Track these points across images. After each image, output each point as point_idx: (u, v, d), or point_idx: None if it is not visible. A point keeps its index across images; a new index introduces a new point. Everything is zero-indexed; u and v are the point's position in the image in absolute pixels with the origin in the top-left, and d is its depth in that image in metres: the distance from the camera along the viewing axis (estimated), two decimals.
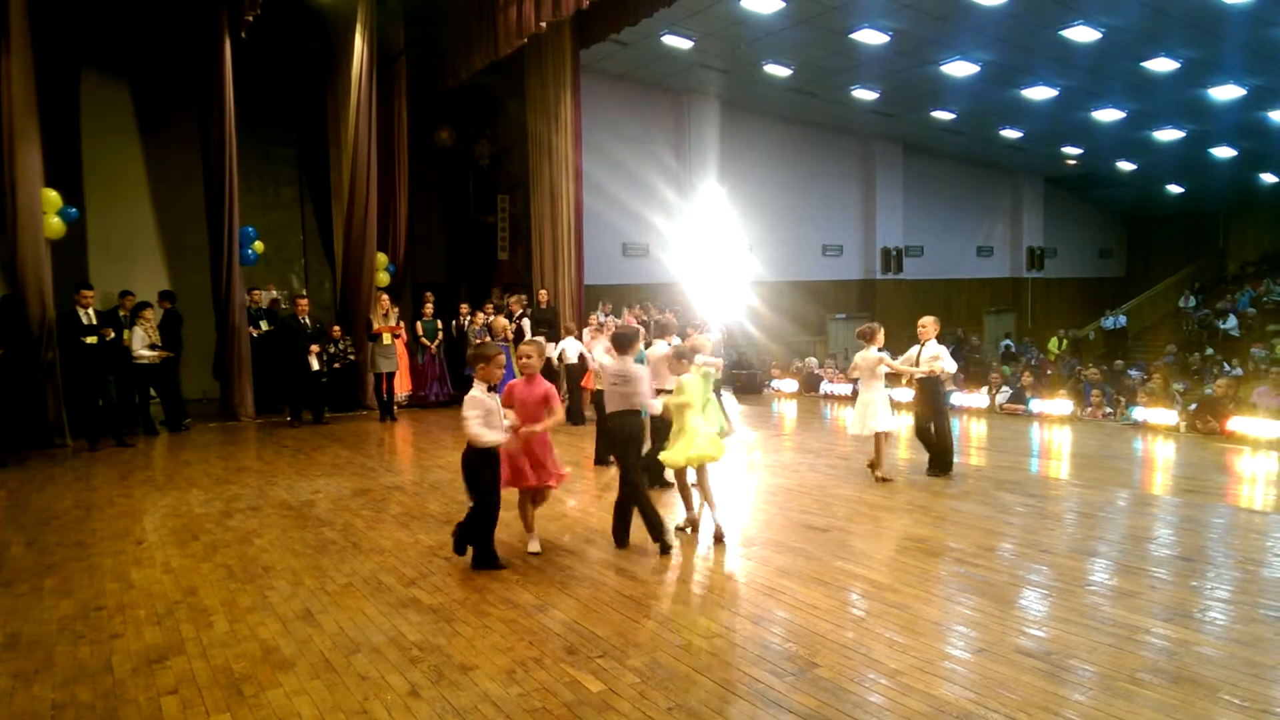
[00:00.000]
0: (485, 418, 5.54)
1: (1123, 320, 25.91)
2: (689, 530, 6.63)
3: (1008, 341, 24.13)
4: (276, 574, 5.74)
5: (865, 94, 19.07)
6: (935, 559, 5.83)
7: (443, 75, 15.53)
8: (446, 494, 8.01)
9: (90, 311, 10.75)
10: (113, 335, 10.82)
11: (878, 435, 8.22)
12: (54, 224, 10.92)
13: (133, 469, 9.53)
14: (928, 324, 8.52)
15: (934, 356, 8.37)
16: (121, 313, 11.33)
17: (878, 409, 8.14)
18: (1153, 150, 22.64)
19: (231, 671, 4.21)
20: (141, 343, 11.31)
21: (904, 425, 10.71)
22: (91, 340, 10.57)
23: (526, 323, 13.90)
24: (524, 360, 6.07)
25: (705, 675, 4.06)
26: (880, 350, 8.24)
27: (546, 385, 5.97)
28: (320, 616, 4.94)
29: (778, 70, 17.33)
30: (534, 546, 6.11)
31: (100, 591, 5.45)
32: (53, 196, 10.88)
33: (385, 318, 13.10)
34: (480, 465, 5.62)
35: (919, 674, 4.02)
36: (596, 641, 4.48)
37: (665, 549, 6.00)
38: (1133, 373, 16.79)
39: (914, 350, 8.59)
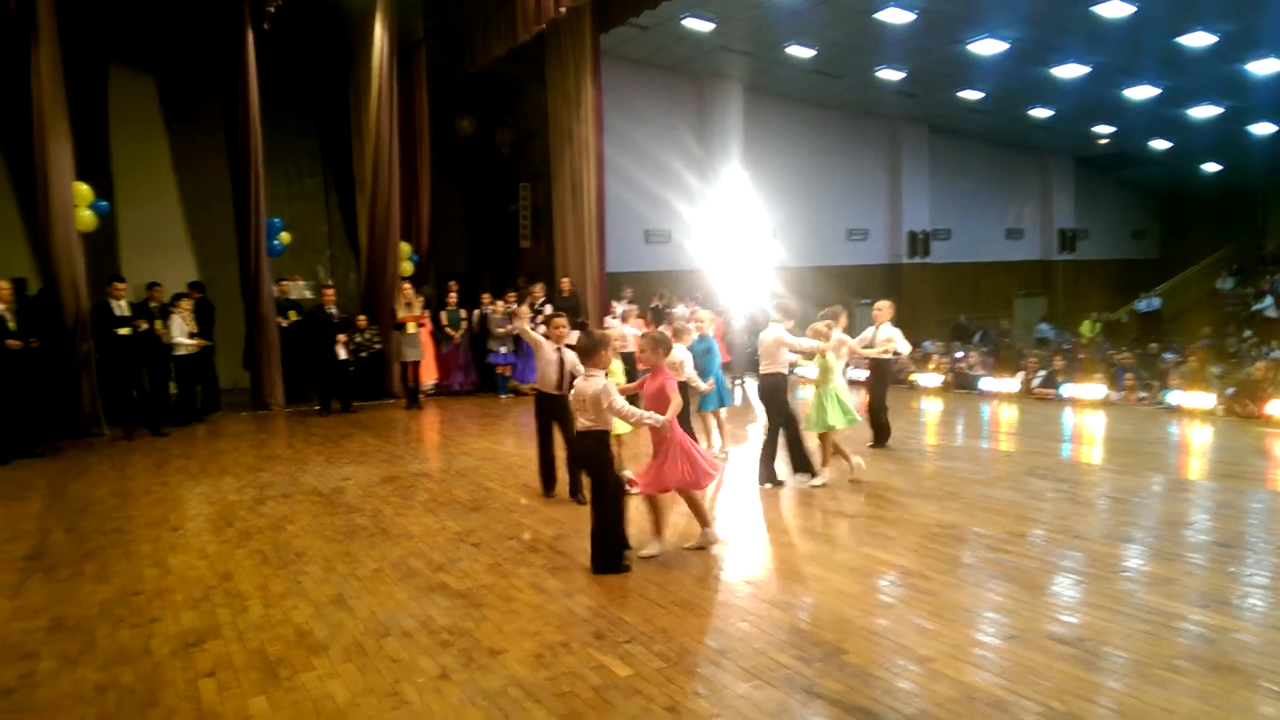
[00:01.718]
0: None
1: (1157, 303, 25.48)
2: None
3: (1044, 326, 23.80)
4: (308, 559, 5.81)
5: (890, 75, 18.86)
6: (965, 545, 5.79)
7: (462, 63, 15.52)
8: (473, 481, 8.05)
9: (123, 303, 10.90)
10: (145, 326, 10.96)
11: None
12: (85, 217, 11.06)
13: (168, 457, 9.67)
14: (883, 307, 9.13)
15: (888, 339, 8.88)
16: (152, 304, 11.46)
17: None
18: (1188, 128, 22.17)
19: (266, 654, 4.27)
20: (180, 331, 11.46)
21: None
22: (125, 332, 10.71)
23: (549, 309, 13.92)
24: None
25: (733, 661, 4.06)
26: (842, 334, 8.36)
27: (665, 376, 5.67)
28: (352, 601, 4.99)
29: (801, 52, 17.18)
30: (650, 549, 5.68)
31: (138, 577, 5.54)
32: (84, 190, 11.02)
33: (409, 307, 13.18)
34: (603, 450, 5.42)
35: (949, 660, 3.99)
36: (623, 627, 4.49)
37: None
38: (1168, 356, 16.55)
39: (869, 331, 9.07)
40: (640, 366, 6.09)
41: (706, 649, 4.20)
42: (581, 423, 5.46)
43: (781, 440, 7.57)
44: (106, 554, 6.05)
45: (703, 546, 5.77)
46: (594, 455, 5.44)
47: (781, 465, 7.68)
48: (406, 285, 13.45)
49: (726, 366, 14.17)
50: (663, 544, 5.73)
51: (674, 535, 6.00)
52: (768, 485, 7.53)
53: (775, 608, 4.73)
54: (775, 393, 7.50)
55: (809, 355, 7.84)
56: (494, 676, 3.96)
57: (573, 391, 5.56)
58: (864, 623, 4.46)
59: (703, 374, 8.27)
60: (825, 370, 7.71)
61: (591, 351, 5.44)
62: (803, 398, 8.63)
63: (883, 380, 9.27)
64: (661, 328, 7.98)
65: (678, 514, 6.23)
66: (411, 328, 12.97)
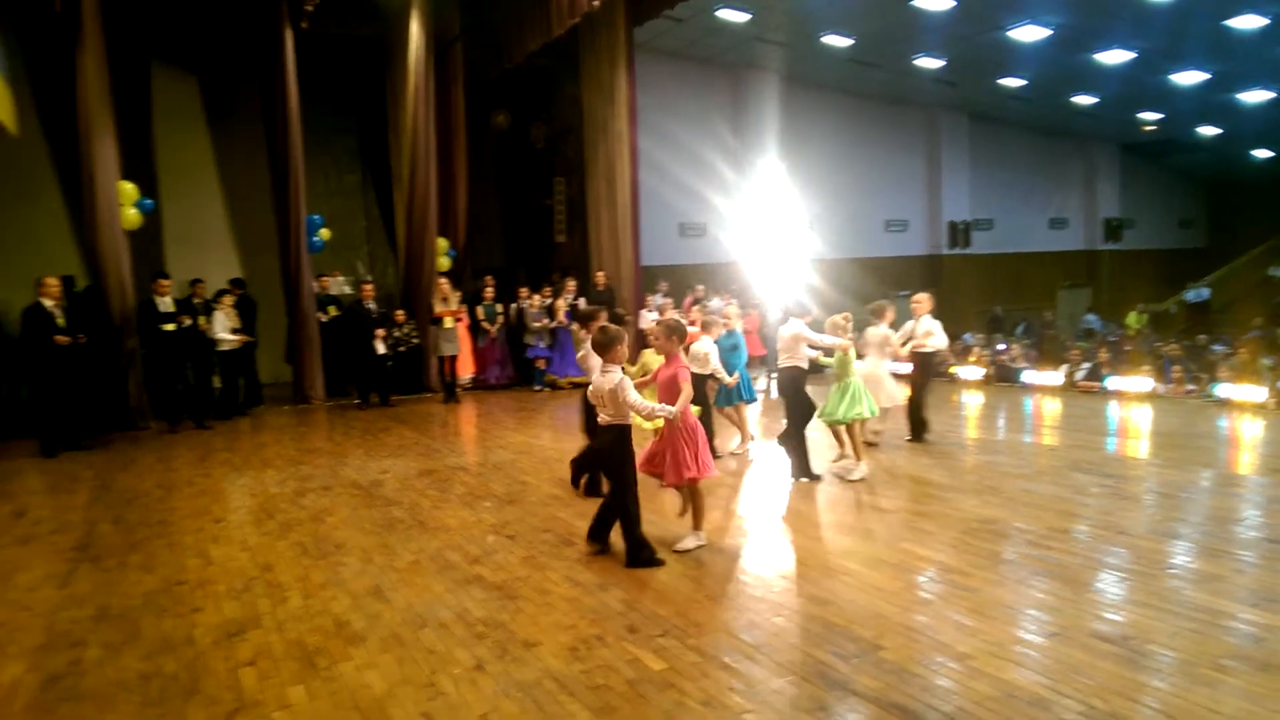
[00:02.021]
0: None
1: (1206, 293, 24.88)
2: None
3: (1090, 317, 23.35)
4: (347, 551, 5.87)
5: (929, 63, 18.59)
6: (1006, 541, 5.70)
7: (497, 59, 15.57)
8: (509, 474, 8.09)
9: (168, 300, 11.08)
10: (189, 322, 11.14)
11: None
12: (131, 215, 11.25)
13: (211, 450, 9.83)
14: (922, 300, 9.04)
15: (927, 332, 8.84)
16: (195, 300, 11.64)
17: (880, 383, 8.52)
18: (1238, 113, 21.62)
19: (305, 645, 4.32)
20: (223, 327, 11.63)
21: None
22: (169, 328, 10.90)
23: (583, 303, 13.97)
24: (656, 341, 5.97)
25: (768, 656, 4.03)
26: (889, 328, 8.75)
27: (679, 365, 5.71)
28: (389, 592, 5.03)
29: (838, 41, 16.99)
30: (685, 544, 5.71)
31: (181, 567, 5.63)
32: (129, 189, 11.21)
33: (445, 302, 13.26)
34: (624, 444, 5.42)
35: (989, 658, 3.93)
36: (658, 621, 4.48)
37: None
38: (1217, 347, 16.15)
39: (908, 325, 8.98)
40: (655, 354, 6.09)
41: (741, 643, 4.18)
42: (602, 417, 5.46)
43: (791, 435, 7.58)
44: (151, 545, 6.17)
45: (685, 548, 5.67)
46: (615, 449, 5.43)
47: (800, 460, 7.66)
48: (443, 280, 13.54)
49: (761, 360, 14.13)
50: (699, 538, 5.72)
51: (706, 530, 5.98)
52: (804, 480, 7.48)
53: (811, 603, 4.69)
54: (794, 386, 7.51)
55: (828, 351, 7.77)
56: (528, 669, 3.97)
57: (589, 387, 5.60)
58: (901, 619, 4.41)
59: (728, 369, 8.33)
60: (843, 364, 7.75)
61: (607, 346, 5.39)
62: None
63: (925, 374, 9.22)
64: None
65: (712, 507, 6.21)
66: (449, 322, 13.07)
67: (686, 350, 6.85)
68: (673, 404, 5.42)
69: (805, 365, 7.58)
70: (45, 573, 5.61)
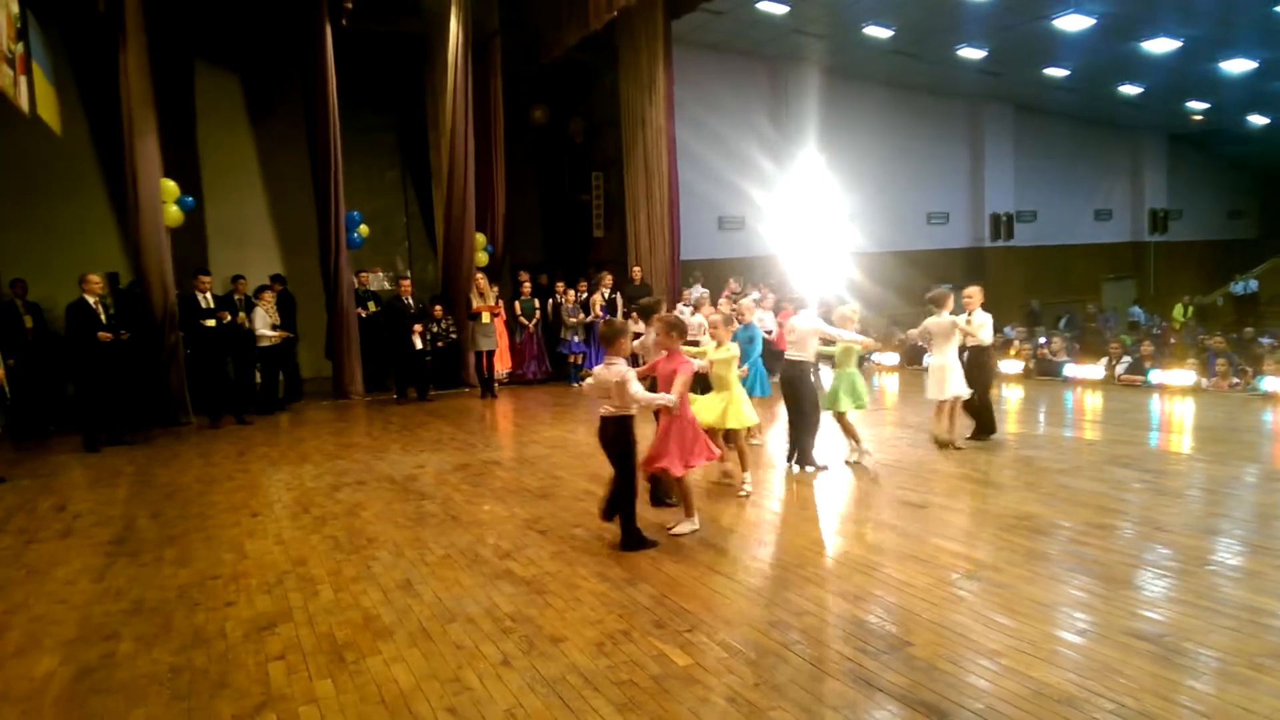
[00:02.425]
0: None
1: (1254, 285, 24.26)
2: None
3: (1135, 310, 22.88)
4: (380, 545, 5.93)
5: (972, 53, 18.31)
6: (1041, 537, 5.60)
7: (536, 54, 15.61)
8: (543, 469, 8.11)
9: (208, 296, 11.27)
10: (229, 318, 11.33)
11: (950, 403, 8.38)
12: (173, 212, 11.47)
13: (251, 445, 9.98)
14: (973, 293, 8.75)
15: (980, 325, 8.56)
16: (236, 296, 11.83)
17: (953, 373, 8.30)
18: None
19: (335, 639, 4.37)
20: (263, 323, 11.80)
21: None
22: (210, 324, 11.09)
23: (619, 298, 14.02)
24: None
25: (794, 652, 4.00)
26: (952, 315, 8.47)
27: (680, 360, 5.86)
28: (419, 587, 5.07)
29: (878, 32, 16.79)
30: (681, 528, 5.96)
31: (216, 561, 5.73)
32: (171, 186, 11.42)
33: (482, 297, 13.34)
34: (628, 434, 5.60)
35: (1020, 655, 3.86)
36: (685, 616, 4.47)
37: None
38: (1264, 340, 15.75)
39: (960, 318, 8.66)
40: (657, 349, 6.22)
41: (768, 639, 4.15)
42: (605, 408, 5.61)
43: (799, 427, 7.67)
44: (188, 539, 6.28)
45: (680, 532, 5.91)
46: (618, 440, 5.59)
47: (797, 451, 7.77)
48: (480, 276, 13.62)
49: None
50: (694, 523, 5.95)
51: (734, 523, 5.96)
52: (809, 469, 7.62)
53: (841, 599, 4.65)
54: (802, 379, 7.58)
55: (830, 340, 7.73)
56: (554, 664, 3.98)
57: (588, 380, 5.78)
58: (931, 616, 4.35)
59: (742, 360, 8.28)
60: (846, 353, 7.87)
61: (611, 339, 5.62)
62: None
63: (984, 370, 8.81)
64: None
65: (741, 503, 6.19)
66: (486, 317, 13.13)
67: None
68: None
69: (813, 360, 7.73)
70: (83, 566, 5.73)
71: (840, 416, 7.95)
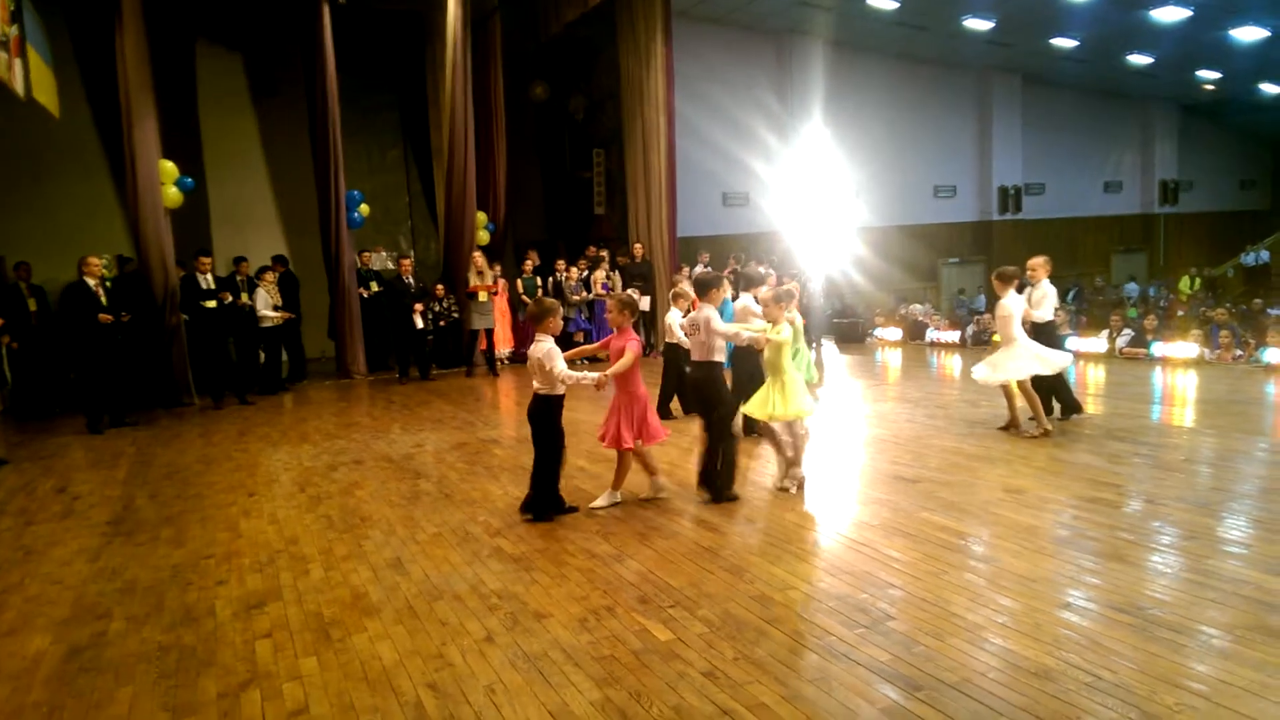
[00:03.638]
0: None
1: (1265, 256, 23.98)
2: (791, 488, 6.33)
3: (1132, 284, 22.69)
4: (372, 524, 5.97)
5: (979, 24, 18.08)
6: (1031, 511, 5.58)
7: (535, 30, 15.52)
8: None
9: (209, 277, 11.31)
10: (230, 299, 11.37)
11: (1022, 384, 7.64)
12: (172, 194, 11.48)
13: (252, 425, 10.05)
14: (1038, 264, 8.14)
15: (1041, 297, 8.03)
16: (238, 277, 11.86)
17: (1022, 353, 7.56)
18: None
19: (322, 616, 4.41)
20: (265, 304, 11.85)
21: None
22: (211, 304, 11.13)
23: (617, 275, 14.03)
24: (609, 315, 6.26)
25: (775, 627, 4.01)
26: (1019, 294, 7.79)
27: (630, 338, 5.97)
28: (409, 565, 5.11)
29: (884, 3, 16.61)
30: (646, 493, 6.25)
31: (211, 541, 5.78)
32: (169, 167, 11.43)
33: (480, 275, 13.30)
34: (552, 413, 5.78)
35: (1001, 629, 3.86)
36: (670, 591, 4.48)
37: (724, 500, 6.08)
38: (1272, 311, 15.60)
39: (1027, 291, 8.14)
40: (610, 325, 6.30)
41: (750, 614, 4.16)
42: (535, 385, 5.78)
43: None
44: (184, 519, 6.33)
45: (652, 496, 6.19)
46: (540, 416, 5.77)
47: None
48: (478, 254, 13.58)
49: (805, 330, 13.98)
50: (614, 496, 6.13)
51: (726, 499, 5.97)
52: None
53: (825, 573, 4.66)
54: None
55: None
56: (537, 639, 4.01)
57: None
58: (915, 590, 4.35)
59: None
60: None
61: (540, 318, 5.80)
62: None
63: (1051, 345, 7.90)
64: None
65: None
66: (483, 296, 13.12)
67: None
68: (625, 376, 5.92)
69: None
70: (79, 547, 5.79)
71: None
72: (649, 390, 6.24)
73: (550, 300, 5.96)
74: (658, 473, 6.25)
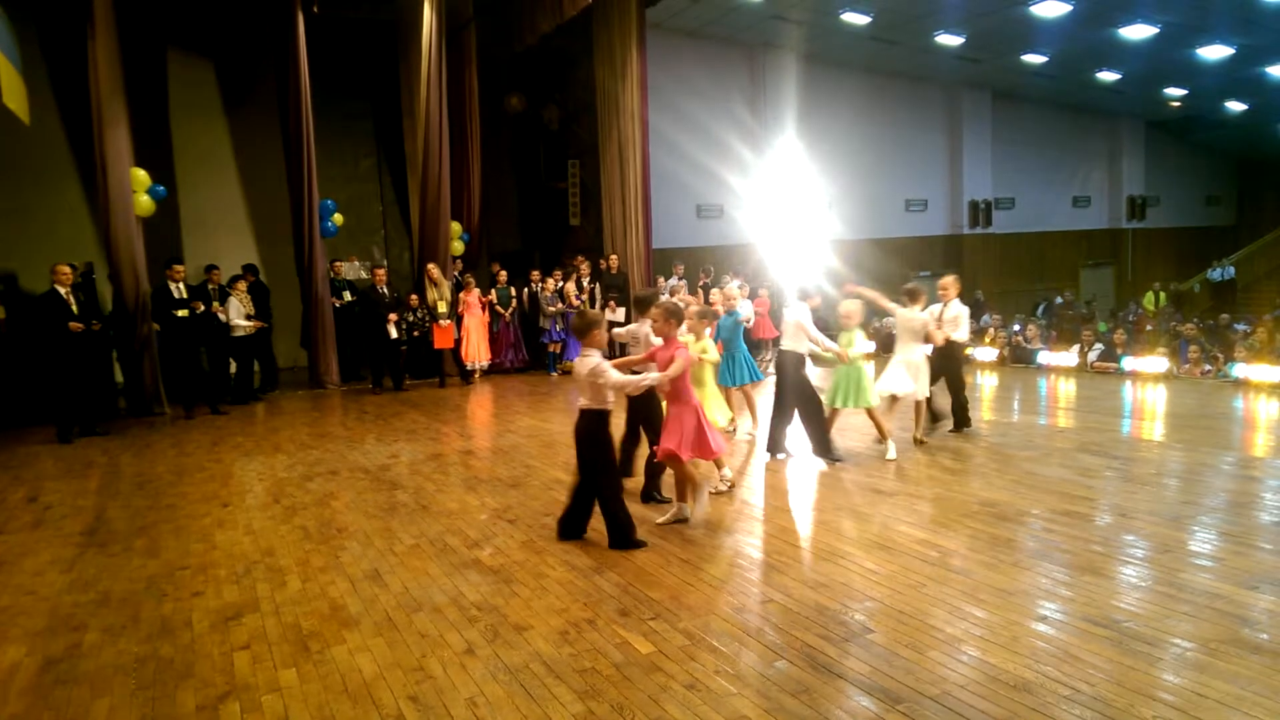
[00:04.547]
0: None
1: (1231, 271, 24.48)
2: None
3: (1088, 301, 22.97)
4: (349, 535, 5.93)
5: (950, 39, 18.32)
6: (1006, 524, 5.66)
7: (510, 40, 15.54)
8: (515, 459, 8.12)
9: (181, 286, 11.18)
10: (203, 308, 11.24)
11: (916, 401, 8.10)
12: (143, 202, 11.34)
13: (225, 435, 9.93)
14: (949, 284, 8.55)
15: (955, 317, 8.33)
16: (210, 286, 11.74)
17: (923, 371, 7.97)
18: (1266, 89, 21.11)
19: (300, 628, 4.38)
20: (237, 313, 11.74)
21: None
22: (183, 314, 11.00)
23: (597, 287, 14.03)
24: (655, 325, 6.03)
25: (755, 639, 4.04)
26: (924, 312, 8.15)
27: (676, 347, 5.80)
28: (387, 576, 5.08)
29: (856, 18, 16.78)
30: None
31: (185, 552, 5.71)
32: (141, 175, 11.30)
33: (436, 286, 13.17)
34: (601, 430, 5.48)
35: (979, 642, 3.91)
36: (650, 604, 4.50)
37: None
38: (1238, 327, 15.92)
39: (935, 308, 8.40)
40: (654, 336, 6.13)
41: (731, 626, 4.19)
42: (581, 402, 5.50)
43: (801, 420, 7.66)
44: (158, 529, 6.25)
45: (677, 520, 5.90)
46: (592, 434, 5.46)
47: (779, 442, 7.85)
48: (431, 266, 13.36)
49: (775, 342, 14.07)
50: (683, 511, 5.89)
51: (708, 513, 5.99)
52: (779, 456, 7.68)
53: (804, 586, 4.69)
54: (785, 369, 7.61)
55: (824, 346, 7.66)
56: (518, 652, 4.00)
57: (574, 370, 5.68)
58: (893, 602, 4.40)
59: (729, 348, 8.42)
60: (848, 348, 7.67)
61: (583, 331, 5.49)
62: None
63: (956, 362, 8.62)
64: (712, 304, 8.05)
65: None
66: (442, 307, 13.04)
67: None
68: (670, 387, 5.61)
69: (804, 351, 7.64)
70: (52, 557, 5.70)
71: (835, 412, 7.86)
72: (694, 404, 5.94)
73: (594, 312, 5.74)
74: (687, 499, 5.88)
